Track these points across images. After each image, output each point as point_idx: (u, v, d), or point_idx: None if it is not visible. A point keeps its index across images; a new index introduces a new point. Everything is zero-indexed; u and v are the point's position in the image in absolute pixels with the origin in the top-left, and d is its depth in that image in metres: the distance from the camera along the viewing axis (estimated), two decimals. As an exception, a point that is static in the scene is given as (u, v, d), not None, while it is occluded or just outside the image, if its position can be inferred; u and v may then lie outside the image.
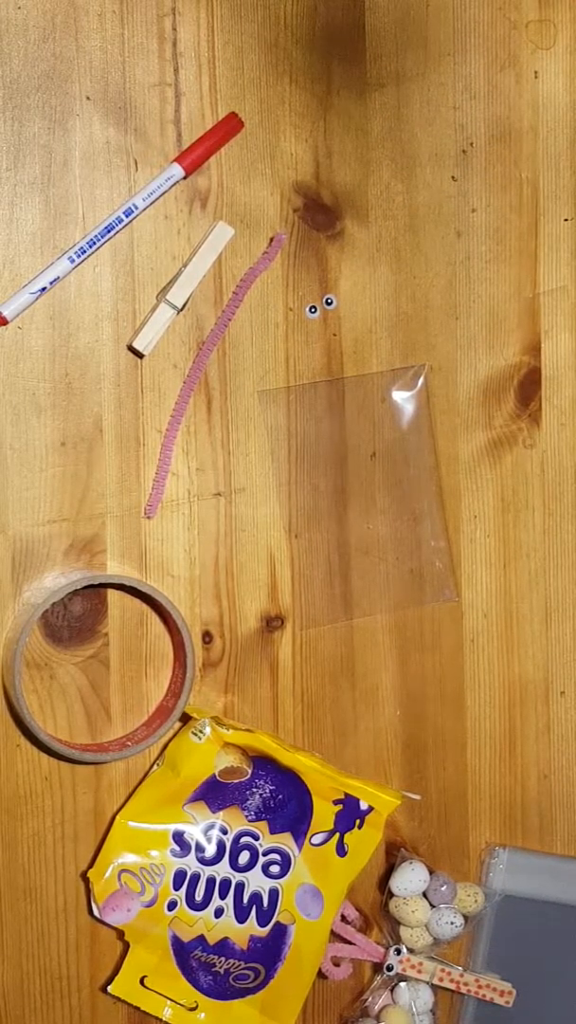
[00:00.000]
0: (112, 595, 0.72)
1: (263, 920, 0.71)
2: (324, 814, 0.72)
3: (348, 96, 0.75)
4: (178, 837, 0.71)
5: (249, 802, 0.72)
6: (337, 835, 0.72)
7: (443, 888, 0.75)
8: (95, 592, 0.71)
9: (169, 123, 0.72)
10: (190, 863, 0.71)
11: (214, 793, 0.71)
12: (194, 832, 0.71)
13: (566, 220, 0.78)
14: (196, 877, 0.70)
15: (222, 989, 0.70)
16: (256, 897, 0.71)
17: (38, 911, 0.72)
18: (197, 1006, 0.69)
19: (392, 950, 0.75)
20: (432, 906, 0.75)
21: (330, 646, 0.76)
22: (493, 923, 0.77)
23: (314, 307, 0.74)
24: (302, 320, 0.74)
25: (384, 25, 0.75)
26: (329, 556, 0.75)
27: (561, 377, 0.79)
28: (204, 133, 0.72)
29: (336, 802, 0.72)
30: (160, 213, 0.72)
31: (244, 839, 0.71)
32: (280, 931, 0.71)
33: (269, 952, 0.71)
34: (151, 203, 0.71)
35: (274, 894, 0.71)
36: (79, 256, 0.70)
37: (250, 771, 0.71)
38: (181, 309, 0.72)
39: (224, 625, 0.74)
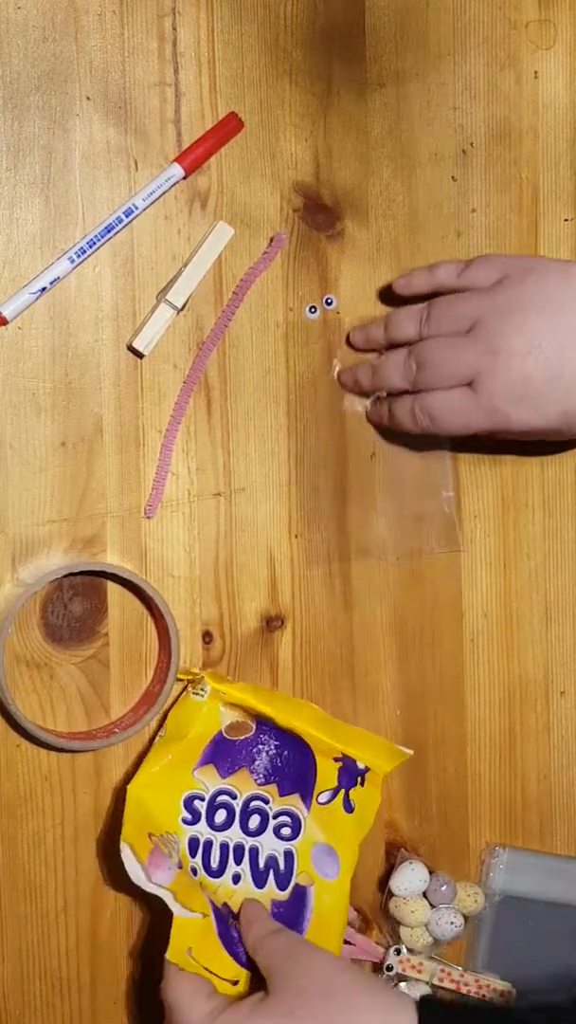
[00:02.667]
0: (112, 595, 0.72)
1: (282, 884, 0.71)
2: (327, 771, 0.72)
3: (348, 96, 0.75)
4: (188, 804, 0.70)
5: (257, 762, 0.71)
6: (342, 792, 0.72)
7: (443, 888, 0.75)
8: (95, 592, 0.71)
9: (169, 123, 0.72)
10: (202, 830, 0.70)
11: (223, 755, 0.71)
12: (205, 798, 0.70)
13: (566, 220, 0.78)
14: (209, 843, 0.70)
15: None
16: (272, 861, 0.71)
17: (38, 911, 0.72)
18: (238, 982, 0.68)
19: (392, 950, 0.75)
20: (432, 906, 0.75)
21: (330, 646, 0.76)
22: (493, 923, 0.77)
23: (314, 307, 0.74)
24: (302, 320, 0.74)
25: (384, 25, 0.75)
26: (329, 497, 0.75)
27: (561, 377, 0.79)
28: (204, 133, 0.72)
29: (336, 759, 0.72)
30: (160, 213, 0.72)
31: (254, 803, 0.71)
32: (300, 894, 0.71)
33: (292, 917, 0.70)
34: (151, 203, 0.71)
35: (289, 856, 0.71)
36: (79, 256, 0.70)
37: (254, 727, 0.71)
38: (181, 309, 0.72)
39: (224, 625, 0.74)
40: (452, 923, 0.74)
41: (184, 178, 0.71)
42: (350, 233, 0.75)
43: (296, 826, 0.71)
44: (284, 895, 0.71)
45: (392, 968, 0.75)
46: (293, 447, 0.75)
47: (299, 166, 0.74)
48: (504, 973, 0.77)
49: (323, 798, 0.72)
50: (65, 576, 0.69)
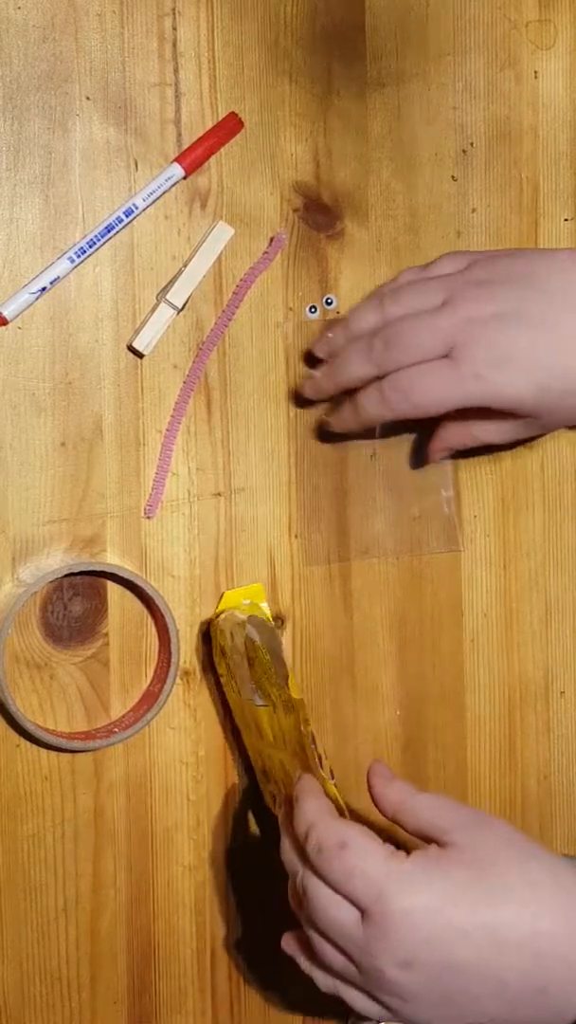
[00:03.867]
0: (112, 595, 0.72)
1: None
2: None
3: (348, 96, 0.75)
4: None
5: None
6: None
7: (443, 888, 0.75)
8: (95, 592, 0.71)
9: (169, 123, 0.72)
10: None
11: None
12: None
13: (566, 220, 0.78)
14: None
15: None
16: None
17: (38, 911, 0.72)
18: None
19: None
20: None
21: (330, 646, 0.76)
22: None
23: (314, 307, 0.74)
24: (302, 320, 0.74)
25: (384, 25, 0.75)
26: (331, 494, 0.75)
27: (561, 377, 0.79)
28: (204, 133, 0.72)
29: None
30: (160, 213, 0.72)
31: None
32: None
33: None
34: (151, 203, 0.71)
35: None
36: (79, 256, 0.70)
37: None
38: (181, 309, 0.72)
39: (224, 625, 0.74)
40: (452, 923, 0.74)
41: (184, 178, 0.71)
42: (350, 233, 0.75)
43: None
44: None
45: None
46: (293, 447, 0.75)
47: (299, 166, 0.74)
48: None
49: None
50: (65, 576, 0.69)
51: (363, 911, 0.58)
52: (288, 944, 0.63)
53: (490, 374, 0.65)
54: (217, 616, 0.72)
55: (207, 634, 0.73)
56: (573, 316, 0.65)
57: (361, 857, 0.58)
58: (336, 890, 0.58)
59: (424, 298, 0.67)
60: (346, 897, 0.58)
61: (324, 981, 0.61)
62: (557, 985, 0.57)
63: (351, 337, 0.70)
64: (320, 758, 0.65)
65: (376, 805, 0.62)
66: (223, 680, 0.72)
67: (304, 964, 0.62)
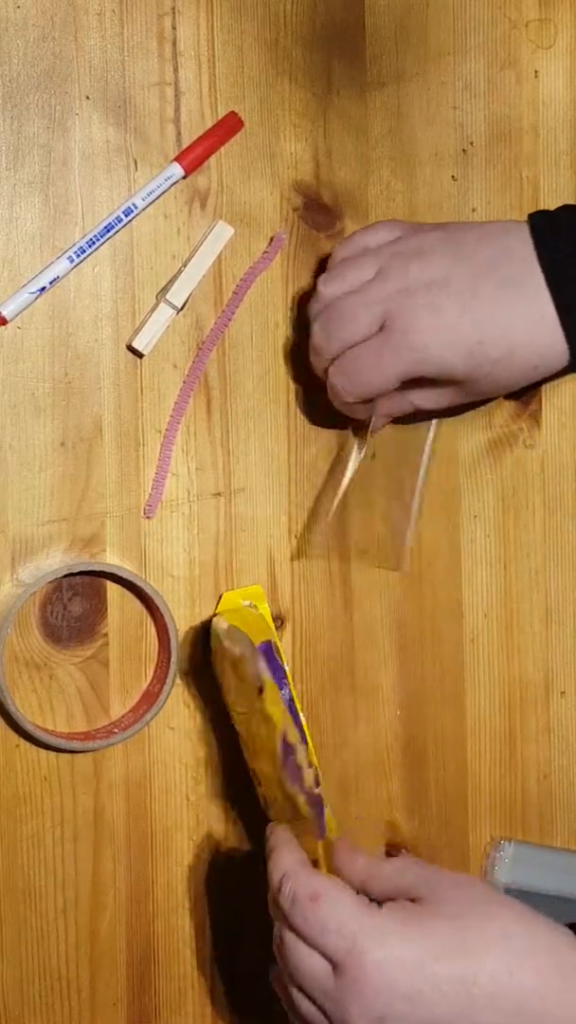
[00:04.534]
0: (112, 595, 0.72)
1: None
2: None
3: (348, 96, 0.74)
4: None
5: (283, 693, 0.69)
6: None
7: (443, 888, 0.75)
8: (95, 592, 0.71)
9: (169, 123, 0.72)
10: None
11: (270, 658, 0.70)
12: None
13: (566, 220, 0.78)
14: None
15: None
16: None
17: (37, 912, 0.72)
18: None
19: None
20: (432, 906, 0.75)
21: (330, 646, 0.76)
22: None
23: (314, 307, 0.74)
24: (302, 320, 0.74)
25: (384, 25, 0.75)
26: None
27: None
28: (204, 133, 0.72)
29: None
30: (160, 213, 0.72)
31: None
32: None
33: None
34: (151, 203, 0.71)
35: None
36: (79, 256, 0.69)
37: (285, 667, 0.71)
38: (181, 309, 0.72)
39: (224, 625, 0.74)
40: (452, 923, 0.74)
41: (184, 178, 0.71)
42: (350, 233, 0.75)
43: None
44: None
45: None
46: (293, 447, 0.75)
47: (299, 166, 0.74)
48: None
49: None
50: (65, 576, 0.69)
51: (336, 964, 0.57)
52: (275, 982, 0.63)
53: (421, 341, 0.65)
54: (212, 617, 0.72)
55: (207, 634, 0.73)
56: (500, 287, 0.65)
57: (334, 909, 0.58)
58: (309, 943, 0.58)
59: (358, 273, 0.67)
60: (319, 950, 0.57)
61: None
62: None
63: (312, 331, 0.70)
64: (301, 769, 0.65)
65: (343, 879, 0.62)
66: (218, 681, 0.72)
67: (285, 1007, 0.62)
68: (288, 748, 0.65)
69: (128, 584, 0.71)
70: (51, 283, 0.69)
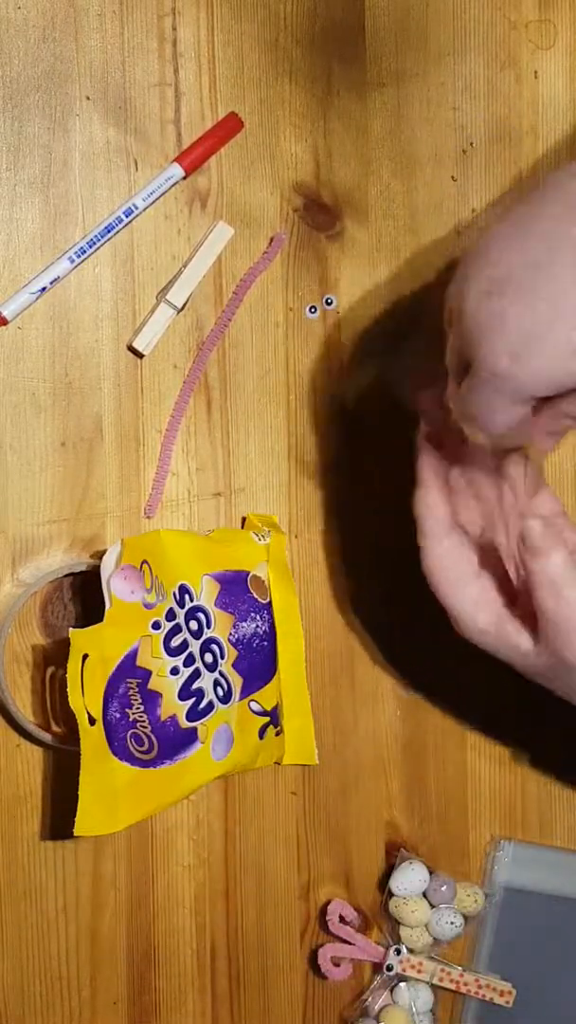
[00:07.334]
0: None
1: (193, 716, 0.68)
2: (270, 696, 0.72)
3: (348, 96, 0.75)
4: (179, 591, 0.68)
5: (243, 624, 0.70)
6: (268, 720, 0.71)
7: (443, 888, 0.75)
8: (96, 592, 0.71)
9: (169, 123, 0.72)
10: (180, 616, 0.68)
11: (232, 588, 0.70)
12: (196, 599, 0.68)
13: (566, 220, 0.78)
14: (178, 628, 0.68)
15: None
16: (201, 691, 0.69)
17: (38, 912, 0.72)
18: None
19: (392, 950, 0.75)
20: (432, 906, 0.75)
21: (330, 646, 0.76)
22: (497, 917, 0.77)
23: (314, 307, 0.74)
24: (302, 320, 0.74)
25: (384, 25, 0.75)
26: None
27: (561, 377, 0.79)
28: (204, 133, 0.72)
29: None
30: (160, 213, 0.72)
31: (213, 645, 0.69)
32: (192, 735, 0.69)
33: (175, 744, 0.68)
34: (151, 203, 0.71)
35: (212, 697, 0.69)
36: (79, 256, 0.70)
37: (266, 601, 0.71)
38: (181, 309, 0.72)
39: (224, 625, 0.74)
40: (452, 923, 0.75)
41: (184, 178, 0.71)
42: (350, 233, 0.75)
43: (226, 698, 0.69)
44: (186, 725, 0.68)
45: (392, 968, 0.75)
46: (293, 447, 0.75)
47: (299, 166, 0.74)
48: (508, 968, 0.77)
49: (254, 707, 0.71)
50: (65, 576, 0.69)
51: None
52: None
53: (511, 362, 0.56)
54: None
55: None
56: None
57: None
58: None
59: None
60: None
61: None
62: None
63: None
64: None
65: None
66: None
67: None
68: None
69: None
70: (52, 283, 0.69)
